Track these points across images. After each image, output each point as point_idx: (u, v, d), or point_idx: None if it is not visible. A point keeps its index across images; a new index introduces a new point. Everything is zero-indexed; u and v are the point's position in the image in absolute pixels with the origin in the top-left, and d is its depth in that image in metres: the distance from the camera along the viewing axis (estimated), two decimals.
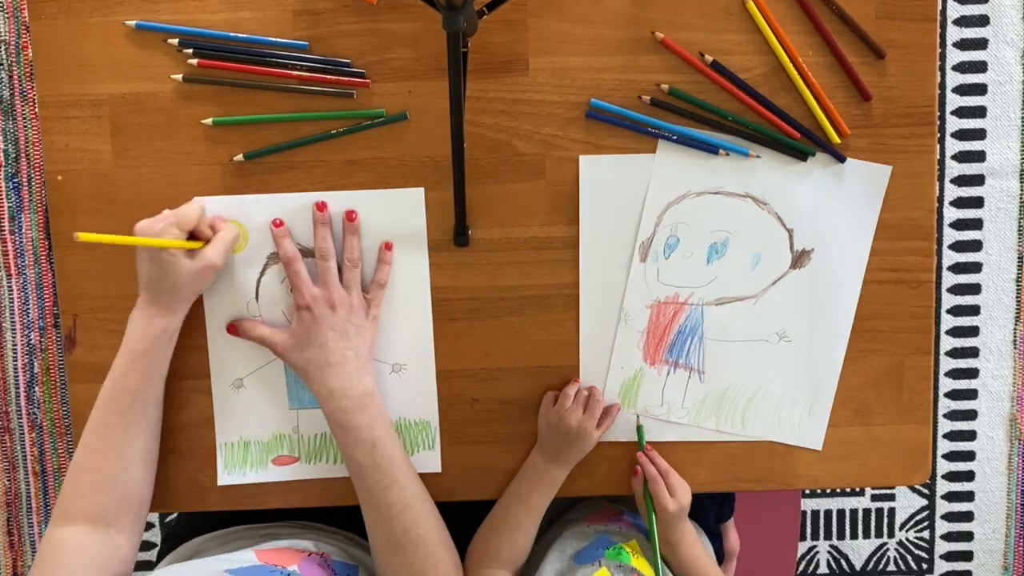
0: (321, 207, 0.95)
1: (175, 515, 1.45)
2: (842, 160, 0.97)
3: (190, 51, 0.94)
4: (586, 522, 1.07)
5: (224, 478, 1.00)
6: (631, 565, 0.95)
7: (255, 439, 0.99)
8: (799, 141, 0.97)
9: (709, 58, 0.96)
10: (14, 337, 1.77)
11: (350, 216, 0.95)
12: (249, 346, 0.97)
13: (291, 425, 0.99)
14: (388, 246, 0.97)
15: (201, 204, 0.93)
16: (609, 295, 0.99)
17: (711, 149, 0.96)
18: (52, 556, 0.85)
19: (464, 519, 1.01)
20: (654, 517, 0.97)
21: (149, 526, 1.79)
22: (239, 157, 0.96)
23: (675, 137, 0.96)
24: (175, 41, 0.94)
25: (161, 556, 1.09)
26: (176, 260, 0.89)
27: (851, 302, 0.99)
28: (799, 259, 0.99)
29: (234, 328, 0.97)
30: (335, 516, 1.07)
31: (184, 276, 0.90)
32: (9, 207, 1.74)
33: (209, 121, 0.96)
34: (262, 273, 0.97)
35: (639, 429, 1.00)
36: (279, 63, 0.95)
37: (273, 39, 0.95)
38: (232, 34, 0.95)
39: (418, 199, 0.97)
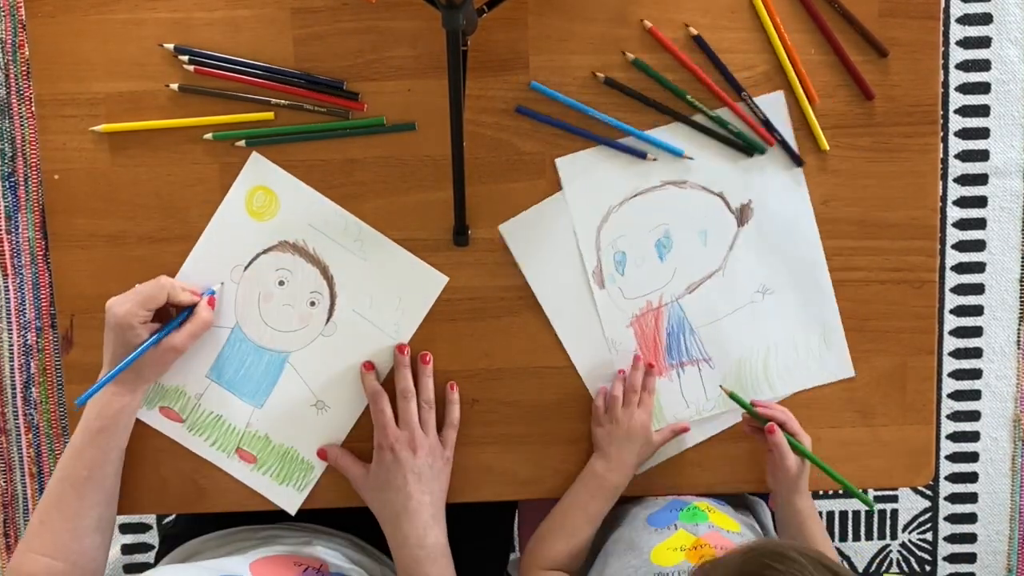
0: (402, 349, 0.96)
1: (172, 516, 1.45)
2: (800, 164, 0.97)
3: (185, 58, 0.94)
4: (652, 495, 1.05)
5: None
6: (709, 521, 0.94)
7: (158, 380, 0.98)
8: (756, 139, 0.96)
9: (693, 31, 0.95)
10: (11, 337, 1.77)
11: (424, 359, 0.97)
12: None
13: (197, 390, 0.99)
14: (453, 386, 0.98)
15: (168, 282, 0.92)
16: (589, 332, 0.99)
17: (639, 153, 0.96)
18: None
19: (465, 520, 1.01)
20: (807, 448, 0.94)
21: (146, 527, 1.79)
22: (241, 143, 0.95)
23: (602, 140, 0.95)
24: (171, 46, 0.94)
25: (159, 558, 1.08)
26: (141, 341, 0.90)
27: (811, 228, 0.98)
28: (742, 215, 0.98)
29: (323, 452, 0.99)
30: (334, 517, 1.06)
31: (147, 358, 0.90)
32: (6, 206, 1.73)
33: (209, 136, 0.95)
34: (266, 251, 0.97)
35: (733, 395, 0.96)
36: (275, 79, 0.95)
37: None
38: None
39: (438, 284, 0.97)
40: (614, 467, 0.97)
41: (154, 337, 0.90)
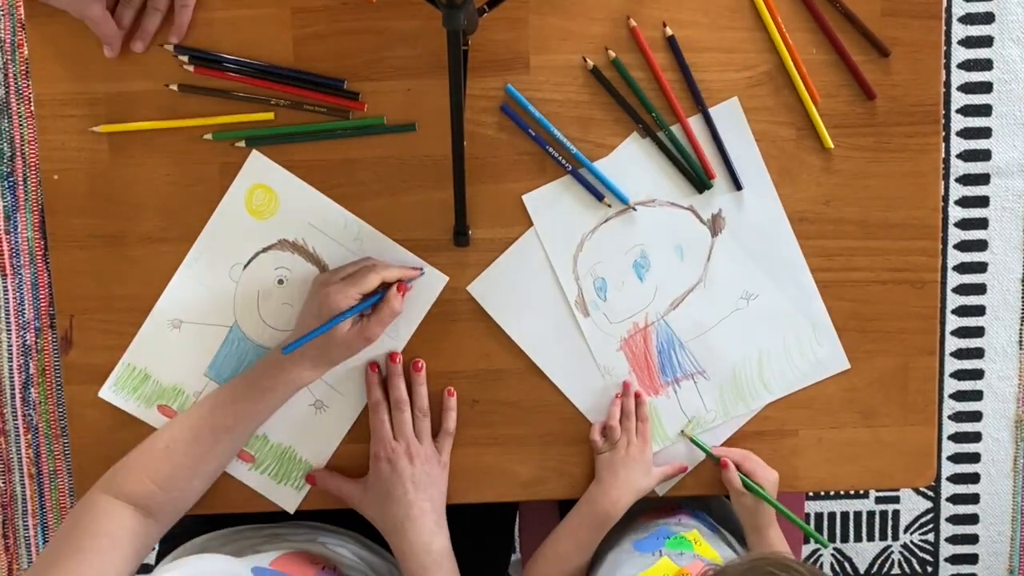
0: (394, 358, 0.97)
1: None
2: (739, 188, 0.97)
3: (185, 58, 0.94)
4: (644, 517, 1.06)
5: (106, 392, 0.98)
6: (693, 552, 0.94)
7: (156, 377, 0.98)
8: (703, 175, 0.96)
9: (669, 31, 0.94)
10: (9, 338, 1.77)
11: (416, 366, 0.97)
12: (210, 301, 0.97)
13: (196, 388, 0.98)
14: (450, 391, 0.98)
15: (380, 265, 0.93)
16: (581, 364, 0.99)
17: (597, 195, 0.96)
18: (93, 520, 0.86)
19: (466, 521, 1.01)
20: (764, 491, 0.96)
21: None
22: (241, 143, 0.95)
23: (570, 168, 0.95)
24: (170, 46, 0.94)
25: (160, 557, 1.08)
26: (339, 329, 0.90)
27: (784, 228, 0.98)
28: (715, 225, 0.98)
29: (312, 478, 0.99)
30: (335, 516, 1.06)
31: (338, 339, 0.91)
32: (5, 206, 1.73)
33: (209, 136, 0.95)
34: (265, 249, 0.97)
35: (694, 440, 1.00)
36: (275, 77, 0.95)
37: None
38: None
39: (437, 284, 0.97)
40: (605, 490, 0.97)
41: (349, 312, 0.89)
